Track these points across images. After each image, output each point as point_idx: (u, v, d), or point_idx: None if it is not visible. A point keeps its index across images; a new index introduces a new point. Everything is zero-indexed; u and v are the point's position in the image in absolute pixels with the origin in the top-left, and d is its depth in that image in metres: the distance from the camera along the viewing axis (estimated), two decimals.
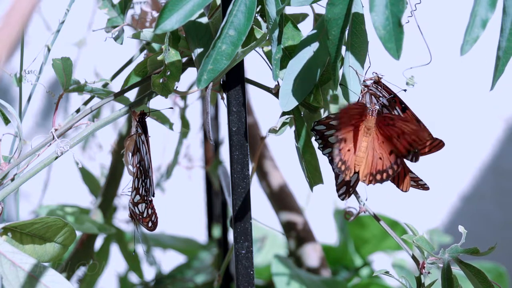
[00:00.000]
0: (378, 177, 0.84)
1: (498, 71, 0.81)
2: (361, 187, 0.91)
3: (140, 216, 0.90)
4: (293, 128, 0.88)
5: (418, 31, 0.82)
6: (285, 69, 0.85)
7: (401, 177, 0.88)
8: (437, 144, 0.91)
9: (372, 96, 0.87)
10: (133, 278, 1.57)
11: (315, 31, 0.85)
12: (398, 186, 0.89)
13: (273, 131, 0.86)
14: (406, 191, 0.89)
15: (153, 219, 0.90)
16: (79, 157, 1.51)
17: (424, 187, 0.91)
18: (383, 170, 0.84)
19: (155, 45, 0.94)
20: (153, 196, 0.89)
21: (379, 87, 0.88)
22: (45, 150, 0.86)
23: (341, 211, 1.69)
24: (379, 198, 1.44)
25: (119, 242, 1.33)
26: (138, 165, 0.90)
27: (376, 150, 0.84)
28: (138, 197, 0.90)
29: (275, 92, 0.88)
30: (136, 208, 0.91)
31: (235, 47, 0.80)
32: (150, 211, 0.90)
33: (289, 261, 1.29)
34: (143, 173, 0.90)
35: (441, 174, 2.07)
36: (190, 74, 0.96)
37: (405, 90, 0.87)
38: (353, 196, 0.91)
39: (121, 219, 1.42)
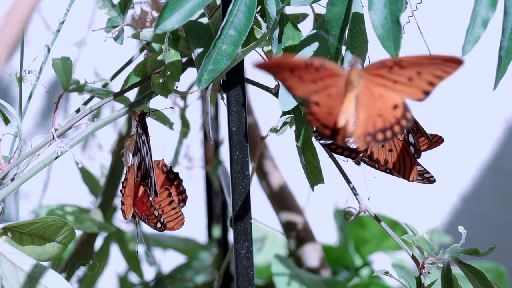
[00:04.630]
0: (380, 136, 0.73)
1: (500, 71, 0.81)
2: (360, 187, 0.91)
3: (145, 217, 0.90)
4: (294, 127, 0.88)
5: (418, 31, 0.82)
6: None
7: (407, 167, 0.88)
8: (437, 140, 0.91)
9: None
10: (133, 278, 1.57)
11: (315, 31, 0.85)
12: (404, 177, 0.89)
13: (274, 130, 0.86)
14: (412, 181, 0.89)
15: (161, 220, 0.89)
16: (79, 157, 1.51)
17: (430, 180, 0.91)
18: (386, 128, 0.72)
19: (155, 45, 0.93)
20: (156, 195, 0.89)
21: None
22: (45, 150, 0.86)
23: (341, 211, 1.69)
24: (379, 198, 1.44)
25: (119, 242, 1.33)
26: (138, 166, 0.90)
27: (372, 107, 0.72)
28: None
29: (275, 92, 0.88)
30: None
31: (236, 47, 0.80)
32: (157, 212, 0.89)
33: (289, 261, 1.29)
34: (144, 173, 0.90)
35: (441, 174, 2.06)
36: (190, 74, 0.96)
37: None
38: (353, 196, 0.91)
39: (121, 219, 1.41)
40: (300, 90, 0.73)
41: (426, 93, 0.73)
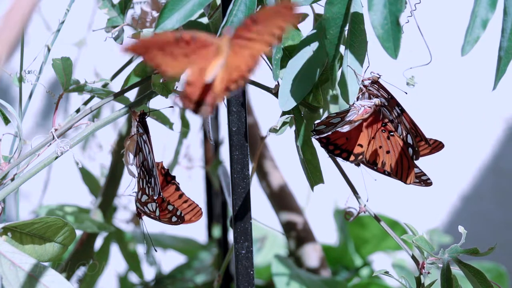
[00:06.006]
0: (233, 86, 0.71)
1: (499, 71, 0.81)
2: (360, 187, 0.91)
3: (154, 214, 0.90)
4: (293, 127, 0.88)
5: (418, 31, 0.82)
6: (284, 69, 0.85)
7: (404, 170, 0.88)
8: (437, 146, 0.91)
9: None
10: (133, 278, 1.57)
11: (314, 31, 0.85)
12: (401, 180, 0.88)
13: (273, 130, 0.86)
14: (409, 184, 0.89)
15: (178, 213, 0.89)
16: (79, 157, 1.51)
17: (427, 182, 0.91)
18: (238, 77, 0.71)
19: None
20: (159, 195, 0.89)
21: (377, 87, 0.88)
22: (45, 150, 0.86)
23: (341, 211, 1.69)
24: (379, 198, 1.44)
25: (119, 242, 1.33)
26: (141, 166, 0.90)
27: (232, 64, 0.71)
28: (145, 196, 0.90)
29: (275, 92, 0.88)
30: (145, 207, 0.90)
31: None
32: (171, 207, 0.89)
33: (289, 261, 1.29)
34: (147, 173, 0.90)
35: (441, 174, 2.07)
36: None
37: (406, 93, 0.87)
38: (353, 196, 0.91)
39: (121, 219, 1.42)
40: (174, 68, 0.71)
41: (270, 45, 0.71)
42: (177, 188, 0.91)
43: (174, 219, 0.90)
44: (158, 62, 0.71)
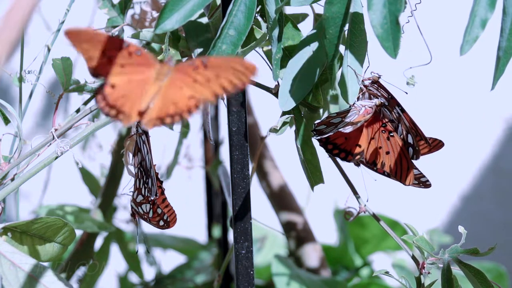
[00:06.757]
0: (168, 120, 0.74)
1: (498, 71, 0.81)
2: (360, 187, 0.91)
3: (146, 216, 0.90)
4: (293, 127, 0.88)
5: (418, 31, 0.82)
6: (284, 69, 0.85)
7: (404, 171, 0.88)
8: (437, 144, 0.91)
9: None
10: (133, 278, 1.57)
11: (314, 31, 0.85)
12: (400, 181, 0.88)
13: (273, 130, 0.86)
14: (408, 185, 0.89)
15: (164, 217, 0.90)
16: (79, 157, 1.51)
17: (426, 184, 0.91)
18: (176, 113, 0.74)
19: (155, 45, 0.94)
20: (156, 196, 0.89)
21: (378, 86, 0.88)
22: (45, 150, 0.86)
23: (341, 211, 1.69)
24: (379, 198, 1.44)
25: (119, 242, 1.33)
26: (139, 166, 0.90)
27: (169, 96, 0.74)
28: (140, 197, 0.90)
29: (275, 92, 0.88)
30: (140, 208, 0.91)
31: (235, 47, 0.80)
32: (160, 210, 0.89)
33: (289, 261, 1.29)
34: (145, 173, 0.90)
35: (441, 174, 2.07)
36: None
37: (406, 93, 0.88)
38: (353, 196, 0.91)
39: (121, 219, 1.41)
40: (103, 69, 0.74)
41: (216, 96, 0.73)
42: (162, 193, 0.91)
43: (161, 223, 0.90)
44: (89, 56, 0.73)
